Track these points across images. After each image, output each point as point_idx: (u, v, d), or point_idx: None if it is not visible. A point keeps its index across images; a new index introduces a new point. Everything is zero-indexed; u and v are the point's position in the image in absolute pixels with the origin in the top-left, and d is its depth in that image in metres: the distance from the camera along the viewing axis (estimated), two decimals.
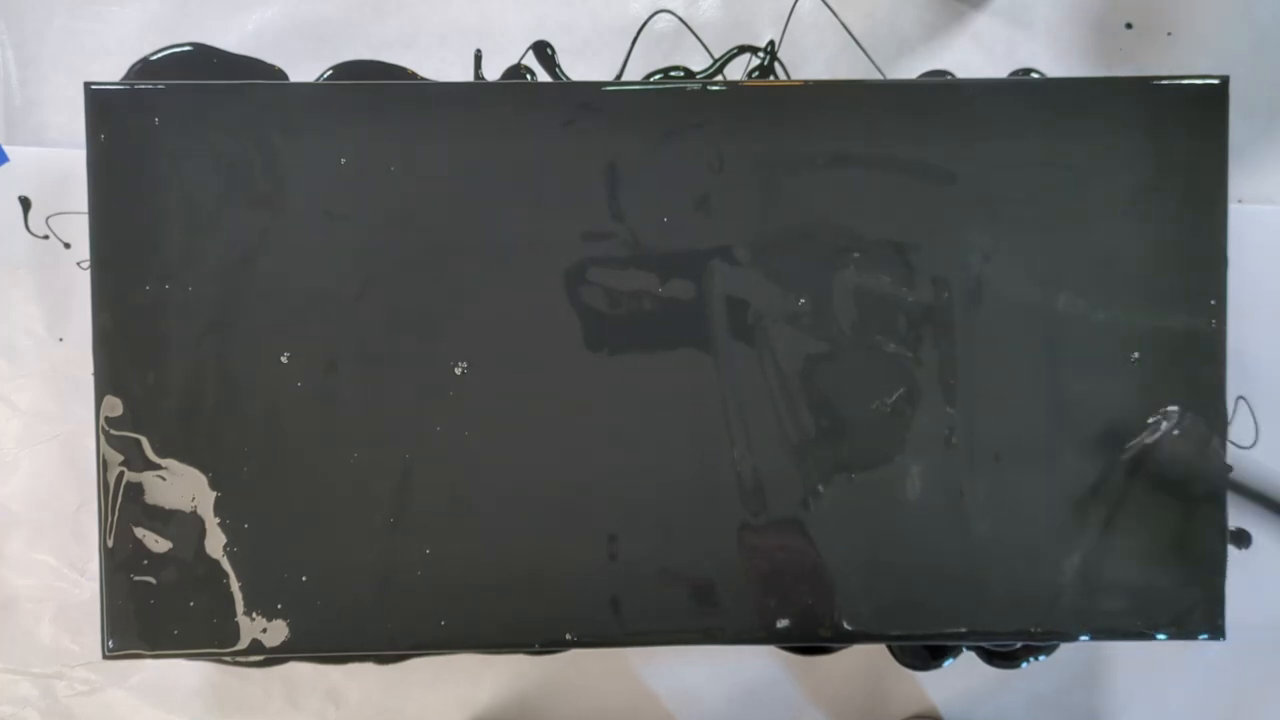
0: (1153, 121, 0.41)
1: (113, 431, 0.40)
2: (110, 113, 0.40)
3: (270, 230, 0.40)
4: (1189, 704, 0.50)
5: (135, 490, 0.40)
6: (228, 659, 0.47)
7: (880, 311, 0.40)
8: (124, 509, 0.40)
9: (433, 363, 0.40)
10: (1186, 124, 0.41)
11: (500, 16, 0.48)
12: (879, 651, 0.49)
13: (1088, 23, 0.49)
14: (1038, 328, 0.41)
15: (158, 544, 0.40)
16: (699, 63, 0.48)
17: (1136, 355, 0.41)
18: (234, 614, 0.40)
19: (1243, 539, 0.49)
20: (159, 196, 0.40)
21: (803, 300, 0.40)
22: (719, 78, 0.48)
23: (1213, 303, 0.41)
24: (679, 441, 0.40)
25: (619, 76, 0.48)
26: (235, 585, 0.40)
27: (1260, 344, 0.48)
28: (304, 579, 0.40)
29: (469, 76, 0.48)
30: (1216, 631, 0.41)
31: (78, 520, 0.48)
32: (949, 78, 0.48)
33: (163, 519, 0.40)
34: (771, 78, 0.48)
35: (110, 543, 0.40)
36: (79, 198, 0.46)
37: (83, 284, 0.47)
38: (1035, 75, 0.48)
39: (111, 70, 0.48)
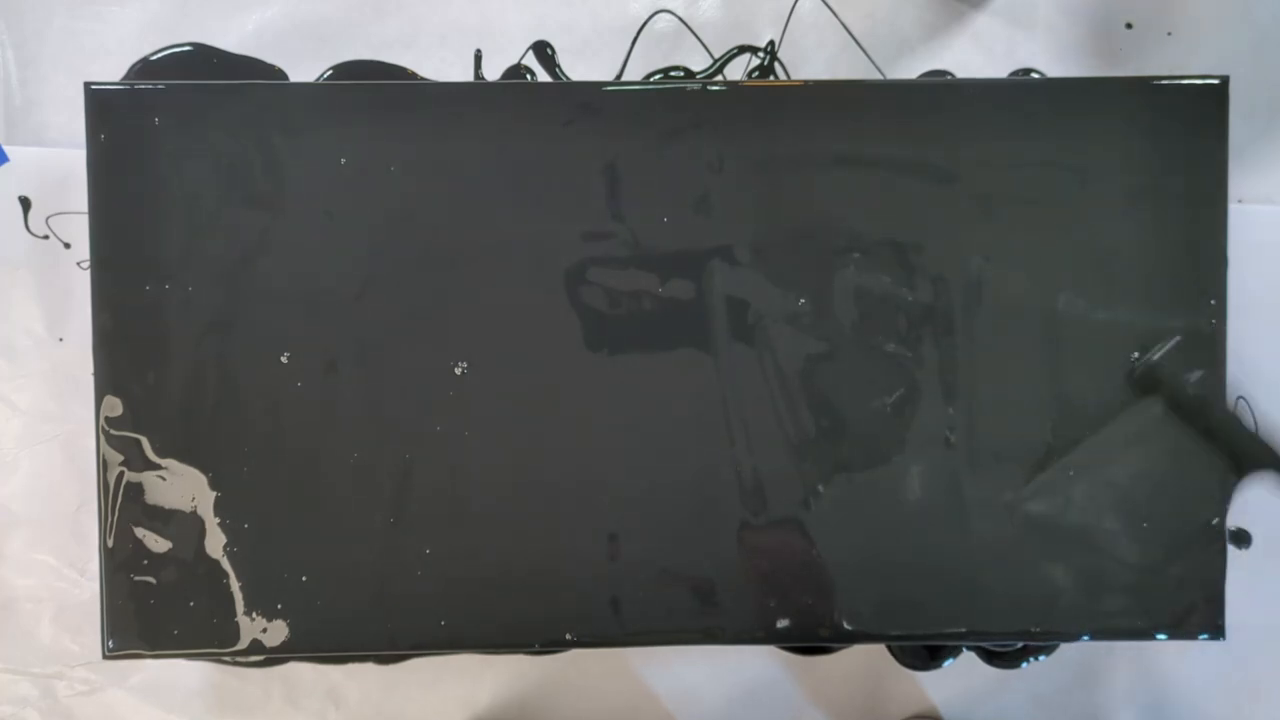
0: (1153, 121, 0.41)
1: (113, 431, 0.40)
2: (110, 113, 0.40)
3: (270, 230, 0.40)
4: (1189, 704, 0.50)
5: (135, 490, 0.40)
6: (228, 659, 0.47)
7: (880, 311, 0.40)
8: (124, 509, 0.40)
9: (433, 363, 0.40)
10: (1186, 124, 0.41)
11: (500, 16, 0.48)
12: (879, 651, 0.49)
13: (1088, 23, 0.49)
14: (1038, 328, 0.41)
15: (158, 544, 0.40)
16: (699, 63, 0.48)
17: (1136, 355, 0.41)
18: (234, 614, 0.40)
19: (1243, 539, 0.49)
20: (159, 196, 0.40)
21: (803, 300, 0.40)
22: (719, 78, 0.48)
23: (1213, 303, 0.41)
24: (679, 441, 0.40)
25: (619, 76, 0.48)
26: (235, 585, 0.40)
27: (1260, 344, 0.48)
28: (304, 579, 0.40)
29: (469, 76, 0.48)
30: (1216, 631, 0.41)
31: (78, 520, 0.48)
32: (949, 78, 0.48)
33: (163, 519, 0.40)
34: (771, 78, 0.48)
35: (110, 543, 0.40)
36: (79, 198, 0.46)
37: (83, 284, 0.47)
38: (1035, 75, 0.48)
39: (111, 70, 0.48)
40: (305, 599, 0.40)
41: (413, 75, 0.48)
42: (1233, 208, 0.41)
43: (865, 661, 0.49)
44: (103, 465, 0.40)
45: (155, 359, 0.40)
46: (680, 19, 0.48)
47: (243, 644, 0.40)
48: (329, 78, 0.47)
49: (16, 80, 0.48)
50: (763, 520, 0.40)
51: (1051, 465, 0.41)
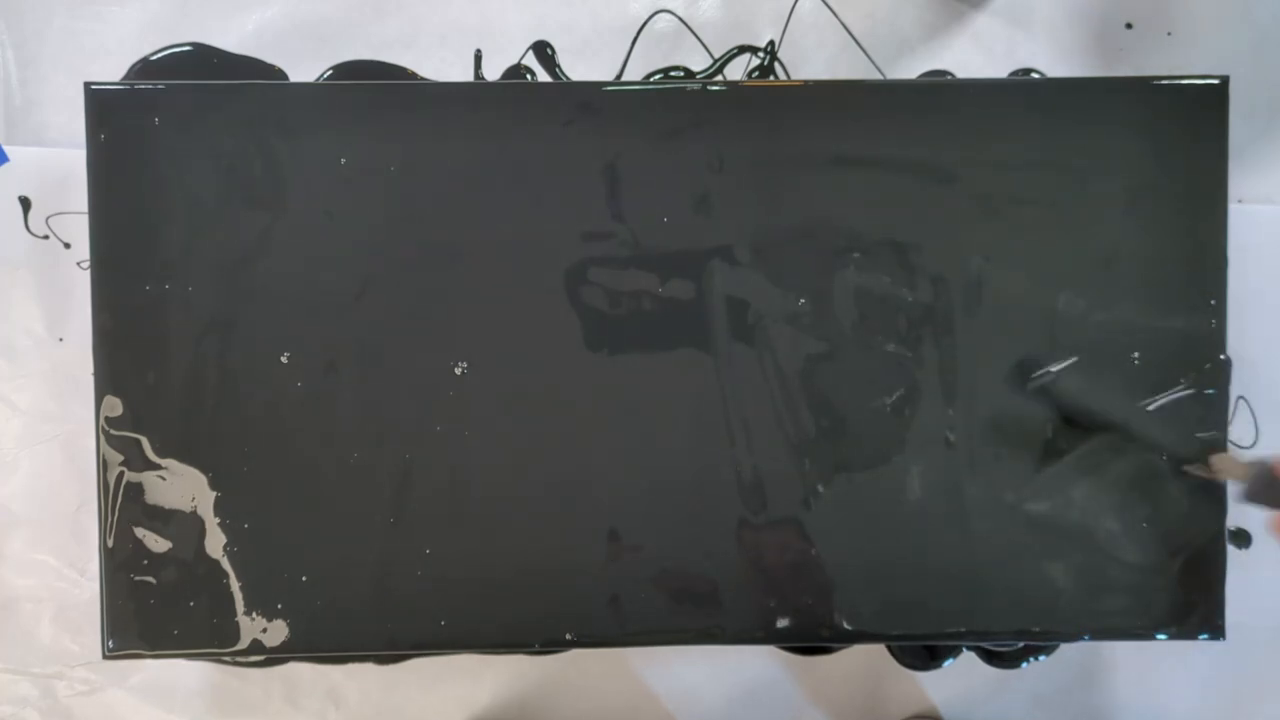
0: (1153, 121, 0.41)
1: (113, 431, 0.40)
2: (110, 113, 0.40)
3: (270, 230, 0.40)
4: (1189, 704, 0.50)
5: (135, 490, 0.40)
6: (228, 659, 0.47)
7: (880, 311, 0.40)
8: (124, 509, 0.40)
9: (433, 363, 0.40)
10: (1186, 124, 0.41)
11: (500, 16, 0.48)
12: (879, 651, 0.49)
13: (1088, 23, 0.49)
14: (1038, 328, 0.41)
15: (158, 544, 0.40)
16: (699, 63, 0.48)
17: (1137, 355, 0.41)
18: (234, 614, 0.40)
19: (1243, 539, 0.49)
20: (159, 196, 0.40)
21: (803, 300, 0.40)
22: (719, 78, 0.48)
23: (1213, 303, 0.41)
24: (679, 441, 0.40)
25: (619, 76, 0.48)
26: (235, 585, 0.40)
27: (1260, 344, 0.48)
28: (304, 579, 0.40)
29: (469, 76, 0.48)
30: (1216, 631, 0.41)
31: (78, 520, 0.48)
32: (949, 78, 0.48)
33: (163, 519, 0.40)
34: (771, 78, 0.48)
35: (110, 543, 0.40)
36: (79, 198, 0.46)
37: (83, 284, 0.47)
38: (1035, 75, 0.48)
39: (111, 70, 0.48)
40: (305, 599, 0.40)
41: (413, 75, 0.48)
42: (1233, 208, 0.41)
43: (865, 661, 0.49)
44: (103, 465, 0.40)
45: (155, 359, 0.40)
46: (680, 19, 0.48)
47: (243, 644, 0.40)
48: (329, 78, 0.47)
49: (16, 80, 0.48)
50: (763, 520, 0.40)
51: (1052, 465, 0.41)
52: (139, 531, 0.40)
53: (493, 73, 0.48)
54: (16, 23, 0.48)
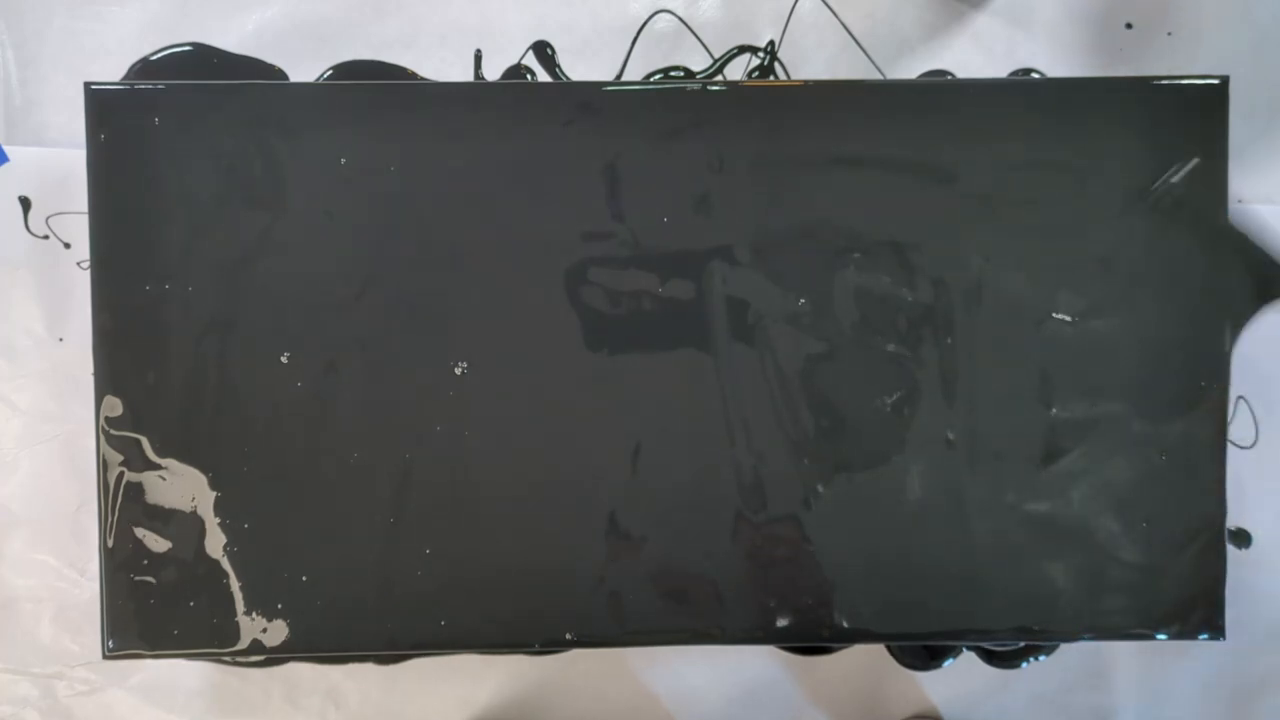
0: (1153, 122, 0.41)
1: (113, 431, 0.40)
2: (110, 113, 0.40)
3: (270, 230, 0.40)
4: (1189, 704, 0.50)
5: (135, 490, 0.40)
6: (228, 659, 0.47)
7: (880, 311, 0.40)
8: (124, 509, 0.40)
9: (433, 363, 0.40)
10: (1186, 124, 0.41)
11: (500, 16, 0.48)
12: (879, 651, 0.49)
13: (1088, 23, 0.49)
14: (1037, 328, 0.41)
15: (158, 544, 0.40)
16: (699, 63, 0.48)
17: (1137, 355, 0.41)
18: (234, 614, 0.40)
19: (1243, 539, 0.49)
20: (159, 196, 0.40)
21: (803, 300, 0.40)
22: (719, 78, 0.48)
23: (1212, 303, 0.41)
24: (679, 441, 0.40)
25: (619, 76, 0.48)
26: (235, 585, 0.40)
27: (1260, 344, 0.48)
28: (304, 579, 0.40)
29: (469, 76, 0.48)
30: (1216, 631, 0.41)
31: (78, 520, 0.48)
32: (949, 78, 0.48)
33: (163, 519, 0.40)
34: (771, 78, 0.48)
35: (110, 543, 0.40)
36: (79, 198, 0.46)
37: (83, 284, 0.47)
38: (1035, 75, 0.48)
39: (111, 70, 0.48)
40: (305, 599, 0.40)
41: (413, 75, 0.48)
42: (1233, 208, 0.41)
43: (865, 661, 0.49)
44: (103, 465, 0.40)
45: (155, 359, 0.40)
46: (680, 19, 0.48)
47: (243, 644, 0.40)
48: (329, 78, 0.47)
49: (16, 80, 0.48)
50: (763, 520, 0.40)
51: (1052, 464, 0.41)
52: (139, 531, 0.40)
53: (493, 73, 0.48)
54: (16, 23, 0.48)
